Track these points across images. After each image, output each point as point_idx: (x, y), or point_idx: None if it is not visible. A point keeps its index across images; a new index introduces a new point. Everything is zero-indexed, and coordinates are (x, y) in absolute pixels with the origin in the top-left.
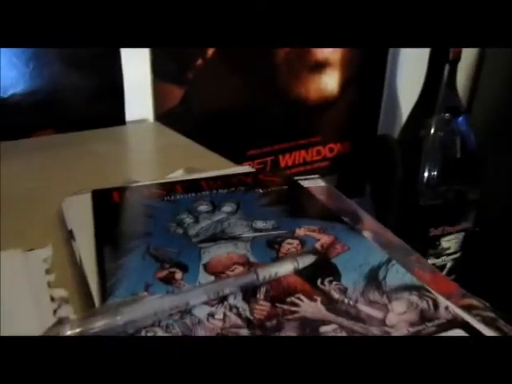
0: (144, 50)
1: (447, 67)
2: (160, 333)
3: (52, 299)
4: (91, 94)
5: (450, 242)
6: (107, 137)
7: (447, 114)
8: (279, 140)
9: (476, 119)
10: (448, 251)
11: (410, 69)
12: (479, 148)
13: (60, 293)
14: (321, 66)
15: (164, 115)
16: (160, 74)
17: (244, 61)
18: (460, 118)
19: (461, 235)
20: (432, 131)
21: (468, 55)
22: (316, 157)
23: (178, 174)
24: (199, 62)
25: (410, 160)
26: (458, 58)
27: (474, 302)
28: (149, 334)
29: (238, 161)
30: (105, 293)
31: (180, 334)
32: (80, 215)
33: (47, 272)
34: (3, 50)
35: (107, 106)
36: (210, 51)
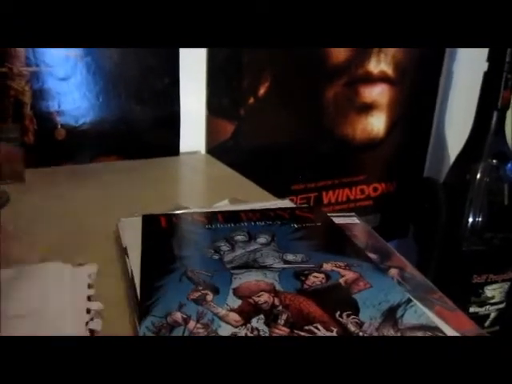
0: (201, 87)
1: (496, 114)
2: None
3: (88, 311)
4: (151, 125)
5: (495, 291)
6: (162, 166)
7: (494, 160)
8: (324, 177)
9: None
10: (492, 300)
11: (458, 113)
12: None
13: (96, 306)
14: (369, 107)
15: (215, 148)
16: (214, 109)
17: (294, 99)
18: (508, 165)
19: (506, 285)
20: (478, 176)
21: None
22: (360, 195)
23: (223, 204)
24: (251, 99)
25: (455, 204)
26: (507, 105)
27: None
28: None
29: (283, 195)
30: (143, 311)
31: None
32: (133, 235)
33: (89, 287)
34: (77, 83)
35: (164, 138)
36: (262, 90)
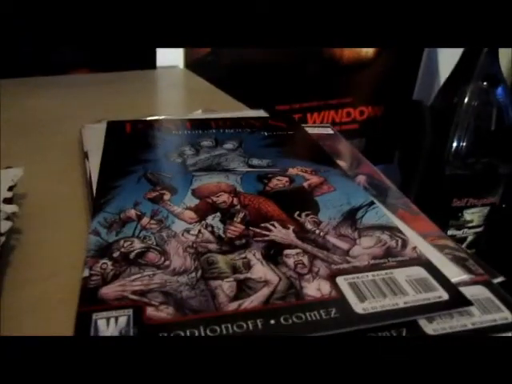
0: None
1: None
2: (137, 242)
3: None
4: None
5: (473, 215)
6: (137, 78)
7: (485, 83)
8: (309, 98)
9: None
10: (470, 224)
11: None
12: None
13: (10, 209)
14: None
15: (194, 63)
16: None
17: None
18: (498, 89)
19: (486, 209)
20: (466, 99)
21: None
22: (346, 118)
23: (196, 114)
24: None
25: (441, 128)
26: None
27: (448, 242)
28: (126, 244)
29: None
30: (96, 208)
31: (155, 244)
32: (95, 140)
33: (9, 189)
34: None
35: (140, 50)
36: None
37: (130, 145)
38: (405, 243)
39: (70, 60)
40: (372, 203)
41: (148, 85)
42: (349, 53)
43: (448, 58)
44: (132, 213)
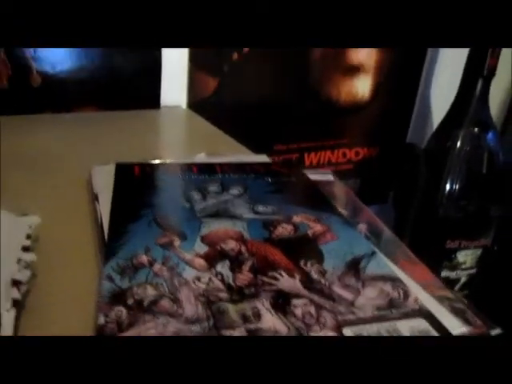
0: None
1: (481, 81)
2: (150, 289)
3: (18, 261)
4: (131, 76)
5: (467, 257)
6: (141, 118)
7: (476, 129)
8: (306, 138)
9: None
10: (463, 266)
11: (444, 79)
12: (506, 165)
13: (29, 257)
14: (355, 69)
15: (197, 103)
16: (196, 62)
17: (279, 58)
18: (489, 134)
19: (478, 251)
20: (459, 144)
21: (506, 71)
22: (341, 159)
23: (200, 157)
24: (235, 55)
25: (434, 171)
26: (492, 74)
27: (447, 293)
28: (139, 291)
29: (264, 154)
30: (109, 252)
31: (167, 292)
32: (106, 183)
33: (28, 237)
34: None
35: (144, 89)
36: None
37: (139, 188)
38: (407, 294)
39: (75, 98)
40: (374, 253)
41: (152, 125)
42: (344, 95)
43: (440, 103)
44: (144, 259)
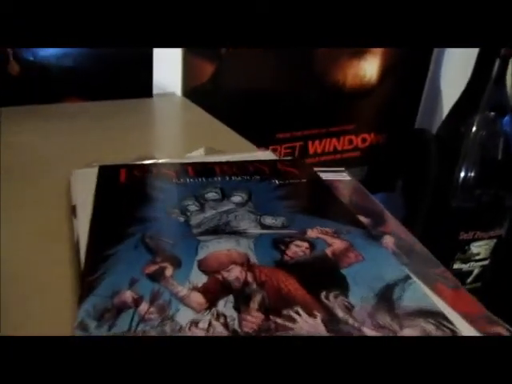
0: None
1: (497, 62)
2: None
3: None
4: (120, 62)
5: (480, 248)
6: (132, 109)
7: (492, 113)
8: (310, 125)
9: None
10: (477, 257)
11: (456, 61)
12: None
13: None
14: (361, 52)
15: (192, 91)
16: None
17: None
18: (505, 118)
19: (492, 242)
20: (473, 129)
21: None
22: (347, 146)
23: (198, 154)
24: None
25: (447, 158)
26: (510, 53)
27: (500, 329)
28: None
29: (266, 143)
30: (85, 289)
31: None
32: (85, 191)
33: None
34: None
35: (135, 77)
36: None
37: (125, 198)
38: (455, 334)
39: (59, 88)
40: (408, 277)
41: (144, 116)
42: (351, 79)
43: (449, 87)
44: (128, 296)
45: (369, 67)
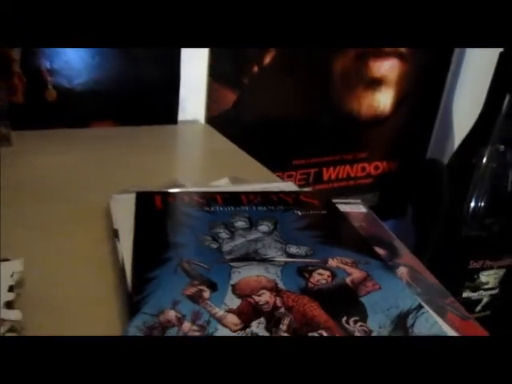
0: (204, 51)
1: (508, 97)
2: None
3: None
4: (149, 90)
5: (489, 277)
6: (159, 134)
7: (502, 146)
8: (325, 152)
9: None
10: (486, 286)
11: (467, 94)
12: None
13: (13, 315)
14: (376, 83)
15: (215, 118)
16: (216, 75)
17: (300, 70)
18: None
19: (501, 271)
20: (484, 161)
21: None
22: (360, 173)
23: (223, 183)
24: (255, 67)
25: (458, 188)
26: None
27: None
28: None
29: (283, 169)
30: (133, 307)
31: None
32: (125, 215)
33: (10, 289)
34: None
35: (162, 104)
36: (268, 58)
37: (161, 224)
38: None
39: (89, 112)
40: (420, 306)
41: (169, 143)
42: (365, 109)
43: (461, 120)
44: (172, 315)
45: (383, 97)
